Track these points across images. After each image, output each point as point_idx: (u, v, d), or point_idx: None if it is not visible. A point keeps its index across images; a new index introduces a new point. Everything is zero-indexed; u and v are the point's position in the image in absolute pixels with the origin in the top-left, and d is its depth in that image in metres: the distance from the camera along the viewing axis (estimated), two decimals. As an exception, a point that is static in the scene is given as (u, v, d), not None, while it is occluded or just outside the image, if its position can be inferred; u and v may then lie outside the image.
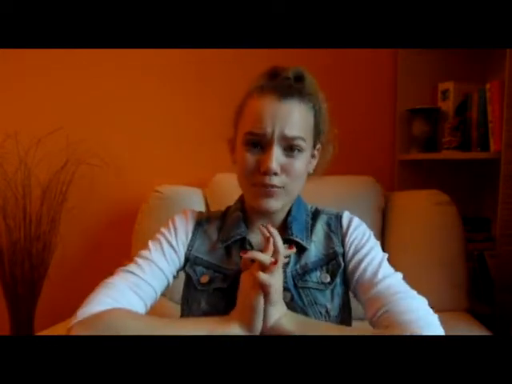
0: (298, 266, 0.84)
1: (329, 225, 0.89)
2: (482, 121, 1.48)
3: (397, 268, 1.34)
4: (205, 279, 0.84)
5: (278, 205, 0.81)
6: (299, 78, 0.83)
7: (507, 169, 1.33)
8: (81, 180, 1.68)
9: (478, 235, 1.60)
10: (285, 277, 0.81)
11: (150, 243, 0.89)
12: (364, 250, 0.85)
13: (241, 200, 0.91)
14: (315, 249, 0.86)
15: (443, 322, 1.18)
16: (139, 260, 0.86)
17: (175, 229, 0.89)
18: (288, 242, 0.83)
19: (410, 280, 1.30)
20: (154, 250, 0.87)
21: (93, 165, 1.65)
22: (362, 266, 0.83)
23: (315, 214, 0.91)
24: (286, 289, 0.80)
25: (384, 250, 1.37)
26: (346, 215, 0.90)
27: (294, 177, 0.81)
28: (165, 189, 1.50)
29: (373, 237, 0.88)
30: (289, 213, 0.88)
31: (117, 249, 1.72)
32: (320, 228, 0.89)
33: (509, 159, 1.32)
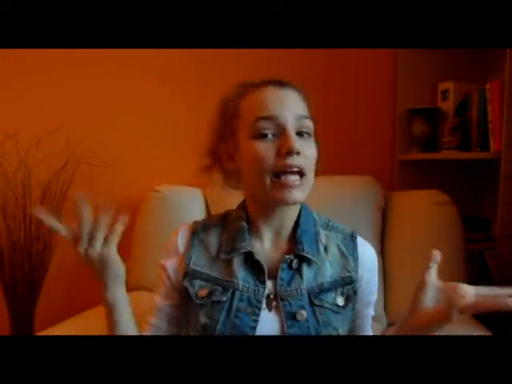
0: (314, 284, 0.80)
1: (345, 245, 0.85)
2: (481, 121, 1.48)
3: (397, 268, 1.35)
4: (203, 292, 0.81)
5: (301, 196, 0.76)
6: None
7: (507, 169, 1.33)
8: (81, 180, 1.68)
9: (478, 235, 1.60)
10: (301, 294, 0.79)
11: (156, 288, 0.88)
12: (372, 298, 0.87)
13: (244, 207, 0.86)
14: (331, 269, 0.82)
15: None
16: (155, 311, 0.88)
17: (169, 259, 0.86)
18: (298, 257, 0.81)
19: (409, 280, 1.30)
20: (160, 295, 0.87)
21: (93, 165, 1.65)
22: (364, 309, 0.86)
23: (327, 228, 0.87)
24: (301, 307, 0.78)
25: (384, 249, 1.39)
26: (364, 246, 0.87)
27: (310, 160, 0.77)
28: (165, 189, 1.50)
29: (377, 277, 0.88)
30: (297, 224, 0.83)
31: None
32: (335, 247, 0.85)
33: (509, 159, 1.32)
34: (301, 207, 0.85)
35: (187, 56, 1.69)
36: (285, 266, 0.80)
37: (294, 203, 0.78)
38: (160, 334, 0.86)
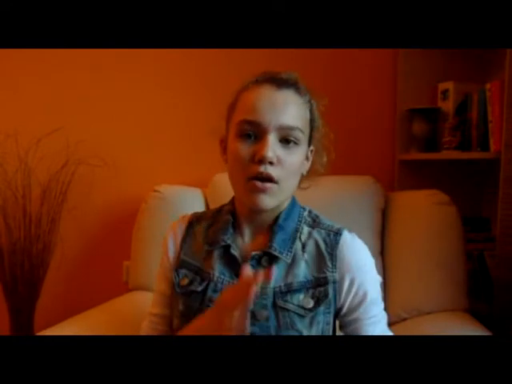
0: (282, 284, 0.78)
1: (325, 243, 0.81)
2: (481, 121, 1.48)
3: (397, 268, 1.35)
4: (184, 281, 0.84)
5: (271, 202, 0.76)
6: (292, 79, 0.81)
7: (507, 169, 1.32)
8: (81, 180, 1.68)
9: (478, 235, 1.60)
10: (265, 293, 0.77)
11: (157, 274, 0.93)
12: (364, 299, 0.80)
13: (232, 201, 0.87)
14: (305, 268, 0.80)
15: (443, 322, 1.18)
16: (154, 295, 0.94)
17: (166, 250, 0.90)
18: (268, 255, 0.80)
19: (409, 280, 1.31)
20: (159, 280, 0.92)
21: (93, 165, 1.65)
22: (356, 312, 0.81)
23: (312, 225, 0.84)
24: (263, 306, 0.77)
25: (384, 250, 1.39)
26: (349, 244, 0.81)
27: (289, 171, 0.76)
28: (164, 189, 1.50)
29: (373, 263, 0.83)
30: (277, 219, 0.82)
31: (117, 249, 1.73)
32: (313, 244, 0.81)
33: (509, 159, 1.32)
34: (289, 202, 0.84)
35: (187, 56, 1.69)
36: (253, 262, 0.80)
37: (263, 209, 0.77)
38: (167, 320, 0.89)
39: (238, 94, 0.81)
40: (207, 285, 0.81)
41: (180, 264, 0.86)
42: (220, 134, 0.85)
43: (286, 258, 0.79)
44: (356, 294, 0.80)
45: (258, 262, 0.80)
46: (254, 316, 0.76)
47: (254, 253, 0.80)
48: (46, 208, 1.66)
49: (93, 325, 1.14)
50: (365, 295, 0.80)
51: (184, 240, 0.88)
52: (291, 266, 0.80)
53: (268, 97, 0.76)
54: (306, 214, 0.86)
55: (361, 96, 1.74)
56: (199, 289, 0.82)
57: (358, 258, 0.82)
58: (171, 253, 0.89)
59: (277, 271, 0.80)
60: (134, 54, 1.68)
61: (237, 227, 0.84)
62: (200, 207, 1.47)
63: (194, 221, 0.90)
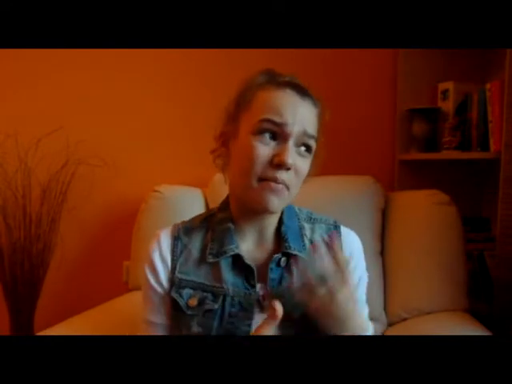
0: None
1: (329, 237, 0.85)
2: (481, 121, 1.49)
3: (397, 268, 1.36)
4: (193, 302, 0.79)
5: (279, 205, 0.77)
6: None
7: (507, 169, 1.33)
8: (81, 180, 1.68)
9: (478, 235, 1.60)
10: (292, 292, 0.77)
11: (143, 302, 0.85)
12: (358, 292, 0.84)
13: (227, 207, 0.84)
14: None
15: (443, 322, 1.18)
16: (143, 326, 0.85)
17: (154, 270, 0.82)
18: (286, 255, 0.80)
19: (409, 280, 1.31)
20: (148, 310, 0.84)
21: (93, 165, 1.65)
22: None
23: (310, 221, 0.87)
24: (294, 305, 0.76)
25: (384, 250, 1.39)
26: (348, 235, 0.87)
27: (300, 176, 0.77)
28: (164, 189, 1.50)
29: (364, 262, 0.88)
30: (281, 221, 0.83)
31: (117, 249, 1.73)
32: (319, 239, 0.85)
33: (509, 159, 1.32)
34: None
35: (187, 56, 1.70)
36: (273, 265, 0.79)
37: (270, 211, 0.77)
38: None
39: (251, 91, 0.79)
40: (223, 300, 0.78)
41: (178, 284, 0.80)
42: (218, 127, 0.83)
43: (304, 255, 0.81)
44: (356, 277, 0.85)
45: (276, 264, 0.80)
46: (287, 317, 0.75)
47: (275, 255, 0.80)
48: (46, 208, 1.66)
49: (93, 325, 1.14)
50: (361, 277, 0.86)
51: (175, 258, 0.82)
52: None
53: (293, 101, 0.75)
54: (298, 211, 0.88)
55: (361, 96, 1.74)
56: (216, 307, 0.78)
57: (357, 245, 0.88)
58: (163, 276, 0.82)
59: (296, 270, 0.79)
60: (134, 53, 1.68)
61: (238, 234, 0.82)
62: (200, 207, 1.47)
63: (180, 234, 0.84)
